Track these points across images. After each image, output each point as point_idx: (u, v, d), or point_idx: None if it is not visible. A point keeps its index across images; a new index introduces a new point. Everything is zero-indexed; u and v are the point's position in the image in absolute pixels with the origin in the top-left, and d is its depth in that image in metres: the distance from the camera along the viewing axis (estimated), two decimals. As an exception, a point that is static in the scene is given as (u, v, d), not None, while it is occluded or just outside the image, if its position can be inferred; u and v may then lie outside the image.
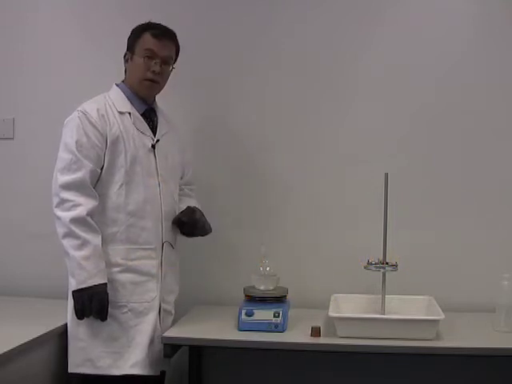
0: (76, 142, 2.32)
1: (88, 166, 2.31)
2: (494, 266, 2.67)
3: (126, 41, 2.48)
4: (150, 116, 2.51)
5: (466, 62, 2.80)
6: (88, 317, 2.29)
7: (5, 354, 2.02)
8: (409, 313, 2.49)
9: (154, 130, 2.50)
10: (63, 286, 2.48)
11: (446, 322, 2.32)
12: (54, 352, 2.38)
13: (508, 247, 2.76)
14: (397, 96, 2.83)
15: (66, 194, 2.28)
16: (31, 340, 2.19)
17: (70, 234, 2.27)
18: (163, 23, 2.48)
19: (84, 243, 2.27)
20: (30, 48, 3.00)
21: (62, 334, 2.39)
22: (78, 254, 2.26)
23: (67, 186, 2.29)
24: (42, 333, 2.28)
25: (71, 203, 2.28)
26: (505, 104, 2.79)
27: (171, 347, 2.37)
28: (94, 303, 2.26)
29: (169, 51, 2.47)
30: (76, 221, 2.27)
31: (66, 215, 2.27)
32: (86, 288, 2.25)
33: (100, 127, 2.35)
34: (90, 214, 2.29)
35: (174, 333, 2.41)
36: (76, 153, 2.31)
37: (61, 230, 2.28)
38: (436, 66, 2.81)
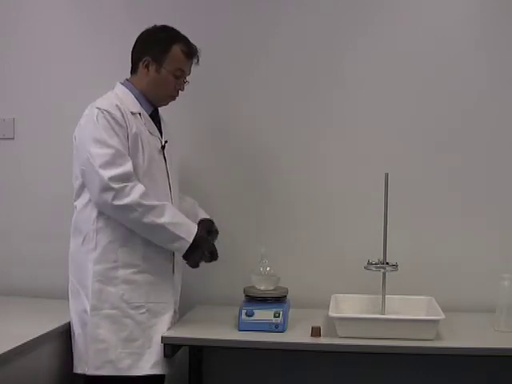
0: (112, 138, 2.29)
1: (130, 160, 2.31)
2: (494, 265, 2.67)
3: (142, 43, 2.44)
4: (155, 117, 2.51)
5: (467, 62, 2.80)
6: (201, 261, 2.41)
7: (4, 353, 2.01)
8: (409, 313, 2.48)
9: (160, 132, 2.51)
10: (63, 286, 2.49)
11: (445, 322, 2.32)
12: (54, 352, 2.38)
13: (508, 247, 2.77)
14: (397, 96, 2.83)
15: (118, 185, 2.25)
16: (31, 340, 2.18)
17: (147, 210, 2.27)
18: (163, 23, 2.47)
19: (162, 208, 2.30)
20: (29, 48, 2.99)
21: (62, 334, 2.39)
22: (166, 219, 2.29)
23: (117, 178, 2.25)
24: (41, 333, 2.27)
25: (128, 187, 2.26)
26: (505, 103, 2.79)
27: (171, 347, 2.37)
28: (205, 250, 2.37)
29: (191, 69, 2.51)
30: (143, 195, 2.27)
31: (131, 198, 2.25)
32: (193, 242, 2.32)
33: (124, 126, 2.34)
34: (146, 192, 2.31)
35: (174, 333, 2.41)
36: (117, 147, 2.29)
37: (136, 214, 2.26)
38: (436, 67, 2.80)
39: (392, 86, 2.83)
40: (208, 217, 2.63)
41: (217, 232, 2.60)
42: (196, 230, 2.35)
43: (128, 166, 2.29)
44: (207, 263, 2.44)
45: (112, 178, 2.25)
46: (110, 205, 2.26)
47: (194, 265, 2.40)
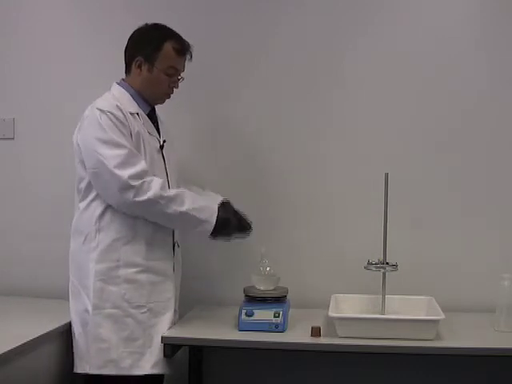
0: (121, 138, 2.30)
1: (142, 158, 2.33)
2: (494, 265, 2.67)
3: (134, 42, 2.45)
4: (153, 117, 2.51)
5: (467, 62, 2.80)
6: (235, 236, 2.48)
7: (4, 353, 2.02)
8: (409, 313, 2.48)
9: (158, 131, 2.51)
10: (63, 286, 2.49)
11: (445, 322, 2.32)
12: (54, 352, 2.38)
13: (508, 247, 2.77)
14: (397, 96, 2.83)
15: (136, 182, 2.27)
16: (31, 340, 2.19)
17: (169, 201, 2.31)
18: (163, 23, 2.47)
19: (181, 196, 2.35)
20: (29, 48, 2.99)
21: (62, 334, 2.39)
22: (187, 207, 2.34)
23: (135, 176, 2.27)
24: (41, 333, 2.27)
25: (146, 183, 2.29)
26: (505, 103, 2.79)
27: (171, 347, 2.37)
28: (231, 227, 2.43)
29: (185, 65, 2.50)
30: (163, 187, 2.31)
31: (152, 192, 2.28)
32: (217, 222, 2.37)
33: (127, 126, 2.34)
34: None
35: (174, 333, 2.41)
36: (128, 146, 2.30)
37: (159, 207, 2.30)
38: (436, 67, 2.80)
39: (392, 86, 2.83)
40: (222, 199, 2.59)
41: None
42: (217, 210, 2.39)
43: (142, 164, 2.30)
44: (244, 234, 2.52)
45: (131, 177, 2.27)
46: (133, 202, 2.28)
47: (227, 239, 2.46)
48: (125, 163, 2.27)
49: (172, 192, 2.35)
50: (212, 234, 2.39)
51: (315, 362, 2.76)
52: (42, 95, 2.99)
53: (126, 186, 2.26)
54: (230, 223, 2.43)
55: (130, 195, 2.27)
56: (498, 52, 2.78)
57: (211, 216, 2.38)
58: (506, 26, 2.77)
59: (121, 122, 2.33)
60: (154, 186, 2.29)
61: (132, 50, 2.45)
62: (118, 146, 2.29)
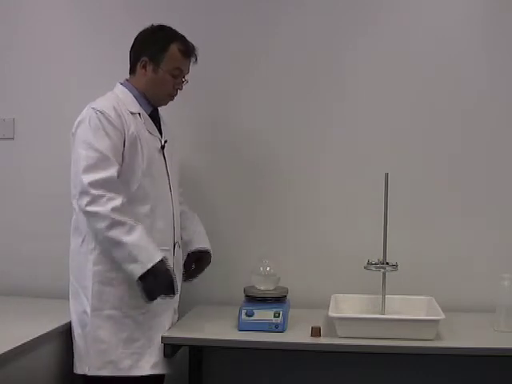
0: (100, 141, 2.27)
1: (116, 164, 2.28)
2: (494, 265, 2.68)
3: (139, 43, 2.44)
4: (155, 117, 2.51)
5: (467, 62, 2.80)
6: (158, 296, 2.27)
7: (4, 353, 2.01)
8: (409, 313, 2.49)
9: (160, 132, 2.50)
10: (63, 286, 2.49)
11: (445, 322, 2.32)
12: (54, 352, 2.37)
13: (508, 247, 2.77)
14: (397, 96, 2.83)
15: (97, 191, 2.21)
16: (31, 340, 2.18)
17: (114, 224, 2.21)
18: (163, 23, 2.47)
19: (131, 227, 2.22)
20: (29, 48, 2.99)
21: (62, 334, 2.39)
22: (131, 239, 2.21)
23: (97, 184, 2.22)
24: (41, 333, 2.27)
25: (105, 197, 2.21)
26: (505, 103, 2.79)
27: (171, 347, 2.37)
28: (161, 281, 2.24)
29: (189, 67, 2.50)
30: (116, 210, 2.21)
31: (104, 208, 2.20)
32: (150, 269, 2.21)
33: (119, 127, 2.32)
34: (124, 205, 2.25)
35: (174, 333, 2.41)
36: (103, 151, 2.26)
37: (102, 224, 2.22)
38: (436, 67, 2.81)
39: (392, 86, 2.83)
40: (207, 246, 2.64)
41: (208, 263, 2.65)
42: (159, 259, 2.23)
43: (110, 172, 2.25)
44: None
45: (91, 184, 2.21)
46: (83, 210, 2.23)
47: (149, 295, 2.26)
48: (92, 167, 2.23)
49: (124, 218, 2.21)
50: (140, 278, 2.22)
51: (315, 362, 2.76)
52: (42, 95, 2.99)
53: (84, 191, 2.22)
54: (164, 277, 2.25)
55: (83, 201, 2.22)
56: (498, 52, 2.78)
57: (148, 260, 2.21)
58: (507, 26, 2.78)
59: (110, 122, 2.30)
60: (109, 205, 2.20)
61: (137, 51, 2.45)
62: (92, 148, 2.26)
